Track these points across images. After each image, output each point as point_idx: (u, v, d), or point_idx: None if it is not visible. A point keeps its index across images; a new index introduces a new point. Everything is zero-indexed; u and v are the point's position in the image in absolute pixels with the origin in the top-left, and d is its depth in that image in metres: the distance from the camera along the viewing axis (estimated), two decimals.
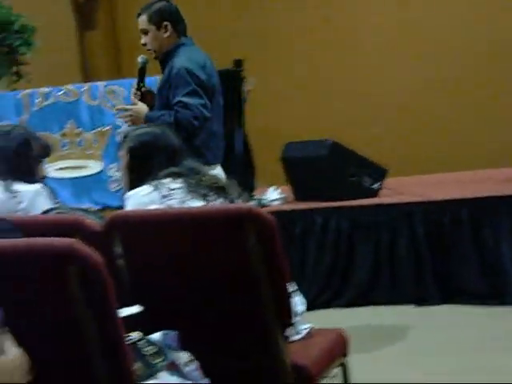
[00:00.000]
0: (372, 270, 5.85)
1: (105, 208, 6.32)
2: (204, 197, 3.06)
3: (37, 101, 6.39)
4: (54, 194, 3.63)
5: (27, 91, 6.44)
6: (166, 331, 2.34)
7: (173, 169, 3.18)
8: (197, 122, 4.40)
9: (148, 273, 2.74)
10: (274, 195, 6.44)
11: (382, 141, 8.03)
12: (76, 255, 1.93)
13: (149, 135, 3.38)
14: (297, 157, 6.52)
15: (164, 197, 3.07)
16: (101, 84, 6.40)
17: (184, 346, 2.36)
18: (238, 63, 6.14)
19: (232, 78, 6.16)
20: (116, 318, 1.99)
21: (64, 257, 1.93)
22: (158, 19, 4.62)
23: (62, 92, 6.36)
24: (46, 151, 3.76)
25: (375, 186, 6.16)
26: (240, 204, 2.93)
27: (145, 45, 4.67)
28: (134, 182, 3.25)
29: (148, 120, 4.40)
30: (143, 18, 4.66)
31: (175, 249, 2.71)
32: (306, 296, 3.28)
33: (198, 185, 3.09)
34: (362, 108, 8.27)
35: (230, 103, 5.90)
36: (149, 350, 2.26)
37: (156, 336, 2.33)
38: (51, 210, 3.01)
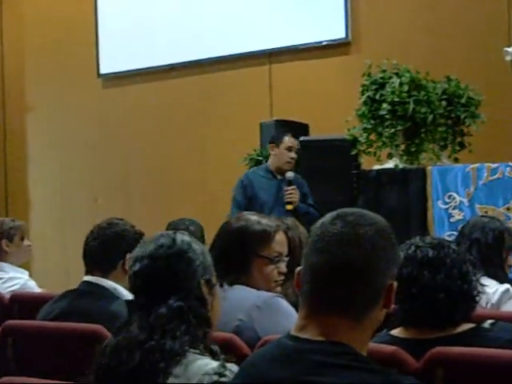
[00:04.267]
0: None
1: None
2: None
3: (484, 175, 6.71)
4: None
5: (475, 165, 6.78)
6: None
7: None
8: None
9: None
10: None
11: None
12: None
13: None
14: None
15: None
16: None
17: None
18: None
19: None
20: None
21: None
22: None
23: (509, 168, 6.61)
24: None
25: None
26: None
27: (292, 159, 6.62)
28: None
29: (298, 206, 6.35)
30: (297, 141, 6.75)
31: None
32: None
33: None
34: None
35: None
36: None
37: None
38: None
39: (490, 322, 2.53)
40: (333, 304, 1.79)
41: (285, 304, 3.05)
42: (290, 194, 6.36)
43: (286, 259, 3.20)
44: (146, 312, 2.26)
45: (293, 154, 6.57)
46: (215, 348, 2.28)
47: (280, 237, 3.21)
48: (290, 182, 6.40)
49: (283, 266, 3.18)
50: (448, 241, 2.70)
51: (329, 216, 1.88)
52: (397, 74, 7.32)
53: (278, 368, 1.77)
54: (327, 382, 1.69)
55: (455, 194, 6.79)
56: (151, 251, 2.35)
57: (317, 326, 1.79)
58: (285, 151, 6.61)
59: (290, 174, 6.45)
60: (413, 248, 2.60)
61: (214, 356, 2.23)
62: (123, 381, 2.15)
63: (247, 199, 6.51)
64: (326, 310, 1.79)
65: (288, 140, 6.64)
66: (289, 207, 6.32)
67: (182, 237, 2.40)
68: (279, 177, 6.73)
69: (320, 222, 1.88)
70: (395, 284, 1.84)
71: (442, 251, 2.57)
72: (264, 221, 3.21)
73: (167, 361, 2.16)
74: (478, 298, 2.60)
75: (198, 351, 2.22)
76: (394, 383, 1.69)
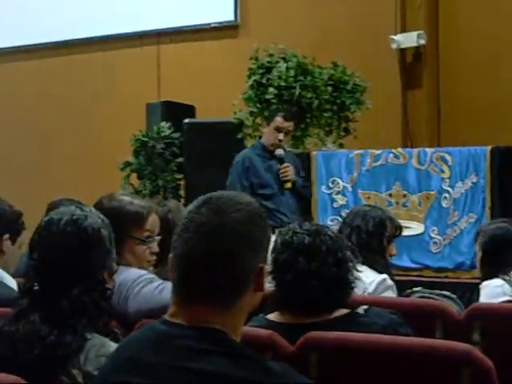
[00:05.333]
0: None
1: (423, 268, 6.61)
2: None
3: (367, 161, 6.81)
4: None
5: (359, 151, 6.88)
6: None
7: None
8: None
9: (506, 364, 2.94)
10: None
11: None
12: (472, 359, 2.20)
13: (501, 230, 3.61)
14: None
15: None
16: (429, 150, 6.71)
17: None
18: None
19: None
20: None
21: (461, 360, 2.21)
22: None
23: (392, 154, 6.73)
24: (398, 232, 4.04)
25: None
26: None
27: (280, 141, 6.12)
28: (487, 274, 3.51)
29: (296, 182, 6.12)
30: (292, 124, 6.22)
31: None
32: None
33: None
34: None
35: None
36: None
37: None
38: (414, 292, 3.31)
39: (364, 307, 2.55)
40: (199, 292, 1.77)
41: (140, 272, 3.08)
42: (285, 171, 6.07)
43: (158, 238, 3.20)
44: (49, 302, 2.22)
45: (281, 136, 6.13)
46: (117, 331, 2.30)
47: (152, 218, 3.21)
48: (281, 160, 6.11)
49: (155, 246, 3.19)
50: (326, 227, 2.69)
51: (196, 202, 1.84)
52: (284, 58, 7.36)
53: (151, 352, 1.75)
54: (198, 368, 1.68)
55: (339, 180, 6.87)
56: (58, 240, 2.28)
57: (187, 313, 1.78)
58: (273, 131, 6.17)
59: (279, 152, 6.13)
60: (290, 234, 2.59)
61: (117, 340, 2.22)
62: (18, 371, 2.07)
63: (250, 182, 6.09)
64: (193, 298, 1.78)
65: (278, 120, 6.15)
66: (287, 185, 6.05)
67: (92, 224, 2.33)
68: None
69: (188, 208, 1.85)
70: (266, 267, 1.83)
71: (318, 238, 2.57)
72: (136, 201, 3.20)
73: (66, 355, 2.15)
74: (354, 285, 2.62)
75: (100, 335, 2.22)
76: (263, 368, 1.69)
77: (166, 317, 1.81)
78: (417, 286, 3.87)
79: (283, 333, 2.44)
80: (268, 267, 2.58)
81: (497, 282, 3.41)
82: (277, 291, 2.57)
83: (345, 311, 2.54)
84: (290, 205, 5.93)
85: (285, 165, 6.06)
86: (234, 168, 6.21)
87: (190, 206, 1.83)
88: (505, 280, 3.38)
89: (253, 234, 1.80)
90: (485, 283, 3.47)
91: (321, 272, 2.52)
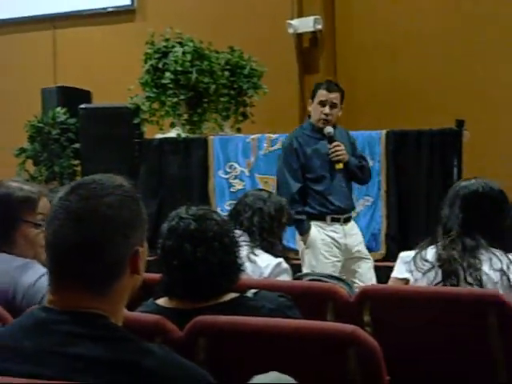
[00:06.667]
0: None
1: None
2: None
3: (264, 145, 6.84)
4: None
5: (256, 136, 6.90)
6: None
7: None
8: None
9: (395, 344, 3.01)
10: None
11: None
12: (356, 339, 2.23)
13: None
14: None
15: None
16: None
17: None
18: (460, 123, 6.33)
19: (452, 137, 6.39)
20: None
21: (346, 340, 2.24)
22: (342, 100, 5.60)
23: None
24: (290, 220, 4.11)
25: None
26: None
27: (327, 115, 5.52)
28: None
29: (349, 162, 5.51)
30: (337, 95, 5.57)
31: (422, 326, 2.98)
32: None
33: None
34: None
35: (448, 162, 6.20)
36: None
37: None
38: (305, 275, 3.34)
39: (252, 291, 2.56)
40: (71, 279, 1.76)
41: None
42: (335, 151, 5.47)
43: None
44: None
45: (327, 109, 5.52)
46: None
47: (43, 201, 3.17)
48: (331, 139, 5.50)
49: None
50: (213, 212, 2.67)
51: (65, 189, 1.82)
52: (180, 43, 7.32)
53: (30, 338, 1.74)
54: (74, 352, 1.67)
55: (236, 164, 6.88)
56: None
57: (62, 299, 1.76)
58: (317, 106, 5.58)
59: (328, 130, 5.52)
60: (176, 219, 2.58)
61: None
62: None
63: (300, 164, 5.53)
64: (66, 285, 1.77)
65: (322, 93, 5.57)
66: (338, 166, 5.48)
67: None
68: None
69: (58, 194, 1.82)
70: (141, 250, 1.82)
71: (204, 224, 2.55)
72: (26, 187, 3.16)
73: None
74: (242, 268, 2.62)
75: None
76: (143, 350, 1.69)
77: (45, 303, 1.79)
78: None
79: (172, 318, 2.43)
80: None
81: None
82: (164, 277, 2.56)
83: (234, 295, 2.54)
84: (342, 188, 5.51)
85: (335, 144, 5.49)
86: (283, 151, 5.77)
87: (61, 193, 1.81)
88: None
89: (124, 218, 1.78)
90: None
91: (207, 258, 2.50)
